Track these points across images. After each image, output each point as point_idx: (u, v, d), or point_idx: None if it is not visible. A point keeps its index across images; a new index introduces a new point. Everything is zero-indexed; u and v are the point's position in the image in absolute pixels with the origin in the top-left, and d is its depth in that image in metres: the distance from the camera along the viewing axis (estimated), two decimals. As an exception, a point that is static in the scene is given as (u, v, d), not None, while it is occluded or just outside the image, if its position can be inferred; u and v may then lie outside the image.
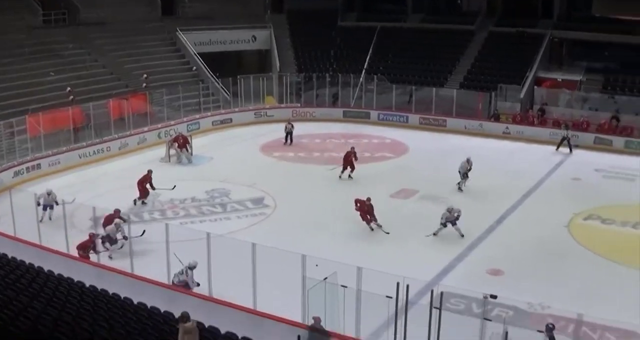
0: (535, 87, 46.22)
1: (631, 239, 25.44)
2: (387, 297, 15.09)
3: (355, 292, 15.91)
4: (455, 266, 22.25)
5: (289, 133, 38.08)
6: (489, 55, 48.20)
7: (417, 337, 15.21)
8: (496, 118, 43.45)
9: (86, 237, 21.59)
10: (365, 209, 24.69)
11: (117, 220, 22.73)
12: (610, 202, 29.06)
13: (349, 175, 31.36)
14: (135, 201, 27.72)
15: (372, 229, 24.78)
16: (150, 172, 28.14)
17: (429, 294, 15.60)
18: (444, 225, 24.40)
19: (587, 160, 36.44)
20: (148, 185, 27.81)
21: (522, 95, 44.48)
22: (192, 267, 19.08)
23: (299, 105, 45.83)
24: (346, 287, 15.53)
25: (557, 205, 28.42)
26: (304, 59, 50.50)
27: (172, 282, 19.14)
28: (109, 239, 22.18)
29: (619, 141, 39.86)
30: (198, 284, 19.14)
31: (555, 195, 29.88)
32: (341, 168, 31.50)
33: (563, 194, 30.34)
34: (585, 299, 19.35)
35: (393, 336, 15.58)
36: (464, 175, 30.04)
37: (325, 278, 15.36)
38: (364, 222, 24.91)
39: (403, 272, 16.53)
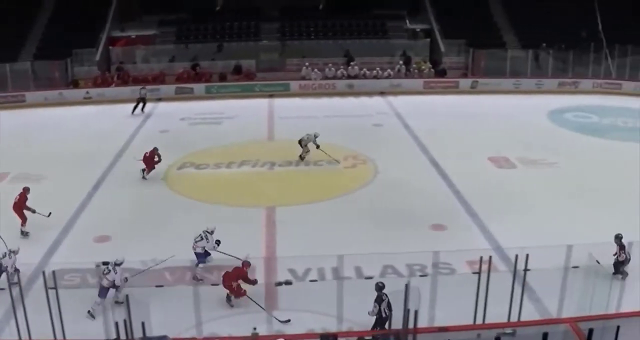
0: (110, 47, 46.69)
1: (227, 178, 27.26)
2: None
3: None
4: (62, 241, 21.48)
5: None
6: (59, 22, 46.61)
7: (40, 321, 14.77)
8: (75, 84, 43.16)
9: None
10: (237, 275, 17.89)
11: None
12: (200, 147, 30.64)
13: (144, 177, 27.20)
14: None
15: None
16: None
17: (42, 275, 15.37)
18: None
19: (171, 111, 38.04)
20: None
21: (97, 58, 44.58)
22: (211, 232, 18.69)
23: None
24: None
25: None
26: None
27: (194, 250, 18.49)
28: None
29: (199, 88, 42.13)
30: (218, 242, 18.70)
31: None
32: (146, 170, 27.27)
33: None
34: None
35: (16, 328, 15.18)
36: (305, 146, 28.72)
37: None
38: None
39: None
